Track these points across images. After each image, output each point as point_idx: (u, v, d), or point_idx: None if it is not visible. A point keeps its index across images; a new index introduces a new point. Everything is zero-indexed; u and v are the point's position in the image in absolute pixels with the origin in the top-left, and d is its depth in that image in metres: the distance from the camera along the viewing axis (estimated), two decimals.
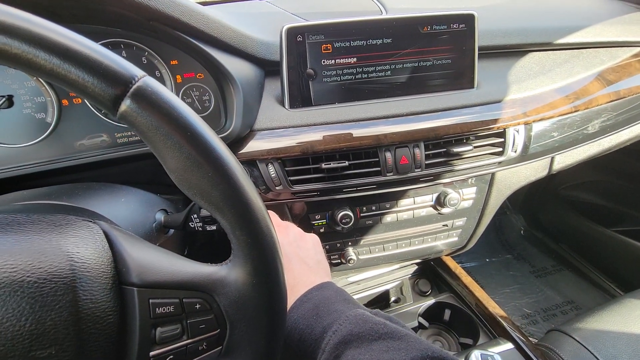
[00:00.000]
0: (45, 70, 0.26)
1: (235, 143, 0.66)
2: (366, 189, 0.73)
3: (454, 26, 0.73)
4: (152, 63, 0.63)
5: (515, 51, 0.86)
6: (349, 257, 0.79)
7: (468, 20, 0.73)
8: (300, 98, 0.71)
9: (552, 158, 0.85)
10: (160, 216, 0.53)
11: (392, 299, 0.97)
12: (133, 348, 0.32)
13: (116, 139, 0.66)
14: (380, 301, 0.99)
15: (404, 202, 0.79)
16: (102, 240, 0.33)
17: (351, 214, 0.74)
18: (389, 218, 0.79)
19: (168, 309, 0.33)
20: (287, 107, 0.71)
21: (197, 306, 0.34)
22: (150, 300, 0.32)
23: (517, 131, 0.75)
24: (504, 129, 0.75)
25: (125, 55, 0.62)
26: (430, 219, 0.82)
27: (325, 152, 0.69)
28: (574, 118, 0.79)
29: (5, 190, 0.60)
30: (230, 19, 0.67)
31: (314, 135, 0.68)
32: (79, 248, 0.31)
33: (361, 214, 0.77)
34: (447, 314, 0.91)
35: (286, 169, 0.68)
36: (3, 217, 0.32)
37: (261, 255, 0.34)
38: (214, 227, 0.48)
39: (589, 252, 1.57)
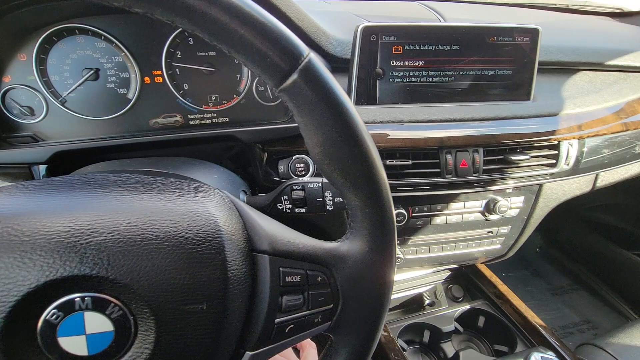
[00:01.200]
0: (235, 36, 0.27)
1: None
2: (421, 189, 0.75)
3: (519, 39, 0.75)
4: None
5: (567, 68, 0.88)
6: (397, 256, 0.80)
7: (533, 34, 0.75)
8: (366, 96, 0.73)
9: (597, 175, 0.87)
10: (242, 196, 0.54)
11: (427, 302, 0.98)
12: (262, 314, 0.33)
13: (189, 120, 0.68)
14: (414, 303, 1.00)
15: (455, 206, 0.80)
16: (233, 208, 0.35)
17: (405, 212, 0.76)
18: (438, 220, 0.81)
19: (295, 278, 0.34)
20: (353, 104, 0.73)
21: (319, 279, 0.35)
22: (281, 269, 0.34)
23: (571, 145, 0.77)
24: (559, 141, 0.77)
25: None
26: (477, 225, 0.84)
27: (389, 149, 0.70)
28: (623, 137, 0.81)
29: (80, 163, 0.62)
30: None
31: (379, 132, 0.69)
32: (220, 213, 0.32)
33: (413, 214, 0.78)
34: (481, 320, 0.91)
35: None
36: (146, 177, 0.34)
37: (384, 236, 0.36)
38: (303, 210, 0.49)
39: (607, 273, 1.58)
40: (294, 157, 0.68)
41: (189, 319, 0.29)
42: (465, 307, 0.92)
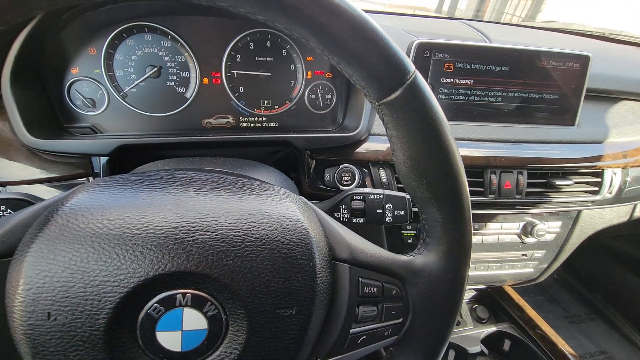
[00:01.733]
0: (348, 49, 0.28)
1: (354, 144, 0.68)
2: None
3: (569, 64, 0.75)
4: (291, 56, 0.66)
5: (610, 97, 0.88)
6: None
7: (583, 60, 0.75)
8: None
9: (635, 205, 0.86)
10: None
11: None
12: (339, 323, 0.33)
13: (240, 122, 0.69)
14: None
15: (492, 226, 0.80)
16: (314, 215, 0.35)
17: None
18: (474, 239, 0.80)
19: (372, 290, 0.34)
20: None
21: (393, 292, 0.36)
22: (360, 279, 0.34)
23: (615, 173, 0.77)
24: (603, 169, 0.76)
25: (269, 45, 0.65)
26: (512, 247, 0.83)
27: None
28: None
29: (136, 158, 0.63)
30: None
31: None
32: (308, 219, 0.33)
33: None
34: (507, 344, 0.90)
35: (396, 175, 0.69)
36: (235, 179, 0.34)
37: (461, 255, 0.36)
38: (361, 221, 0.49)
39: (625, 304, 1.55)
40: (340, 166, 0.68)
41: (279, 322, 0.29)
42: (491, 329, 0.91)
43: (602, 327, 1.56)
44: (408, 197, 0.50)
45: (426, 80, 0.73)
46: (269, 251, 0.29)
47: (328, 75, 0.69)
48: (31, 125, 0.53)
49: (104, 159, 0.57)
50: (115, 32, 0.58)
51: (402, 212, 0.49)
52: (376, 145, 0.69)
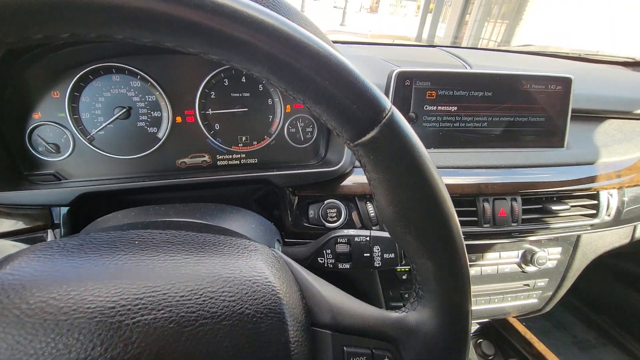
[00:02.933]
0: (315, 87, 0.25)
1: (338, 178, 0.64)
2: None
3: (551, 87, 0.74)
4: (268, 90, 0.64)
5: (595, 116, 0.88)
6: None
7: (565, 82, 0.75)
8: None
9: (635, 226, 0.83)
10: (278, 247, 0.50)
11: None
12: None
13: (217, 160, 0.65)
14: None
15: (490, 256, 0.75)
16: (289, 272, 0.31)
17: None
18: (473, 271, 0.75)
19: (361, 359, 0.29)
20: None
21: (385, 359, 0.30)
22: (345, 349, 0.29)
23: (611, 195, 0.74)
24: (598, 191, 0.74)
25: (244, 80, 0.63)
26: (512, 277, 0.79)
27: None
28: None
29: (102, 204, 0.58)
30: None
31: None
32: (279, 280, 0.28)
33: None
34: None
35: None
36: (195, 235, 0.30)
37: (459, 309, 0.31)
38: (347, 266, 0.44)
39: (635, 327, 1.48)
40: (325, 202, 0.64)
41: None
42: None
43: (614, 352, 1.49)
44: None
45: (409, 110, 0.71)
46: (230, 328, 0.24)
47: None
48: None
49: (64, 209, 0.52)
50: (80, 74, 0.55)
51: (392, 255, 0.44)
52: (362, 178, 0.65)
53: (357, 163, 0.67)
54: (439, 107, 0.71)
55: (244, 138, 0.65)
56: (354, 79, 0.25)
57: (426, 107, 0.71)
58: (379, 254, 0.44)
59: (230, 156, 0.65)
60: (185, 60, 0.59)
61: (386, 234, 0.45)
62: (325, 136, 0.67)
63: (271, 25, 0.22)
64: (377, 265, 0.44)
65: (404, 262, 0.45)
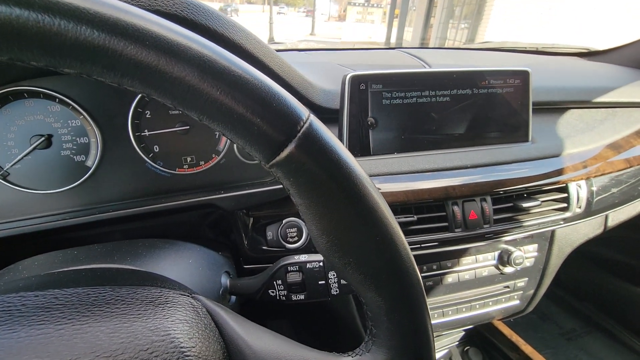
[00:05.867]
0: (207, 98, 0.20)
1: None
2: (428, 246, 0.67)
3: (510, 81, 0.73)
4: None
5: (556, 108, 0.87)
6: None
7: (523, 76, 0.73)
8: (359, 147, 0.67)
9: (607, 215, 0.82)
10: (225, 280, 0.44)
11: None
12: None
13: (159, 186, 0.59)
14: None
15: (466, 261, 0.72)
16: (211, 324, 0.25)
17: None
18: (450, 279, 0.72)
19: None
20: None
21: None
22: None
23: (580, 186, 0.73)
24: (566, 183, 0.72)
25: None
26: (491, 280, 0.75)
27: (390, 204, 0.63)
28: (628, 173, 0.78)
29: (26, 248, 0.50)
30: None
31: (380, 187, 0.62)
32: (191, 339, 0.22)
33: (421, 274, 0.69)
34: None
35: None
36: (83, 292, 0.24)
37: (419, 348, 0.26)
38: (302, 297, 0.39)
39: (617, 311, 1.49)
40: (284, 222, 0.59)
41: None
42: None
43: (600, 338, 1.49)
44: None
45: (367, 115, 0.68)
46: None
47: None
48: None
49: None
50: None
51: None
52: None
53: None
54: (398, 110, 0.68)
55: (189, 159, 0.59)
56: (258, 85, 0.20)
57: (384, 111, 0.67)
58: (336, 280, 0.39)
59: (175, 180, 0.59)
60: None
61: None
62: None
63: (127, 22, 0.17)
64: (335, 293, 0.39)
65: None
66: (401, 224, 0.63)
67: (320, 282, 0.39)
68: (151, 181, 0.58)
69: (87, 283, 0.26)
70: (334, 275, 0.39)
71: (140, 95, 0.54)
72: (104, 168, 0.55)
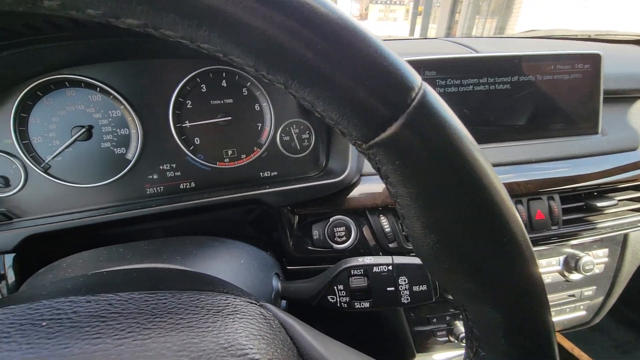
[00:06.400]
0: (301, 58, 0.15)
1: (343, 190, 0.54)
2: None
3: (578, 66, 0.65)
4: (253, 94, 0.55)
5: (626, 97, 0.78)
6: (461, 335, 0.63)
7: (594, 60, 0.65)
8: None
9: None
10: (276, 283, 0.40)
11: None
12: None
13: (200, 181, 0.56)
14: None
15: None
16: (287, 341, 0.20)
17: None
18: None
19: None
20: None
21: None
22: None
23: None
24: None
25: (224, 84, 0.53)
26: (555, 288, 0.68)
27: None
28: None
29: (65, 245, 0.48)
30: None
31: None
32: (269, 357, 0.18)
33: None
34: None
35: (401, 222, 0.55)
36: (140, 298, 0.20)
37: None
38: (367, 305, 0.34)
39: None
40: (331, 220, 0.54)
41: None
42: None
43: None
44: None
45: None
46: None
47: (301, 111, 0.58)
48: None
49: (9, 257, 0.42)
50: (25, 91, 0.46)
51: (424, 287, 0.34)
52: (372, 187, 0.55)
53: (365, 170, 0.57)
54: (453, 99, 0.62)
55: (230, 152, 0.56)
56: (366, 44, 0.16)
57: None
58: (407, 287, 0.34)
59: (216, 175, 0.56)
60: (153, 65, 0.50)
61: (413, 260, 0.35)
62: (325, 142, 0.58)
63: None
64: (405, 301, 0.34)
65: (438, 294, 0.35)
66: None
67: (388, 289, 0.34)
68: (191, 175, 0.55)
69: (142, 286, 0.22)
70: (405, 281, 0.34)
71: (181, 84, 0.51)
72: (144, 161, 0.52)
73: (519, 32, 1.36)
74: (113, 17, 0.14)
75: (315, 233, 0.54)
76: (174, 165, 0.54)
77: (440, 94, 0.59)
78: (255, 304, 0.22)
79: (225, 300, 0.21)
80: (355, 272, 0.34)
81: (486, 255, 0.19)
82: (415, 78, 0.17)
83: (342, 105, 0.16)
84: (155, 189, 0.54)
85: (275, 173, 0.58)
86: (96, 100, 0.49)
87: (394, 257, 0.35)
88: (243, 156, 0.56)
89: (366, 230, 0.55)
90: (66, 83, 0.48)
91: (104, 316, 0.19)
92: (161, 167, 0.54)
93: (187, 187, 0.55)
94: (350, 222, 0.54)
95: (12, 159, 0.47)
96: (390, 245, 0.55)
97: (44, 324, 0.18)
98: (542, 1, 6.53)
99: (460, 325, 0.65)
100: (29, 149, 0.48)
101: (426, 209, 0.18)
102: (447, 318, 0.65)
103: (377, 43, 0.17)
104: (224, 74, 0.53)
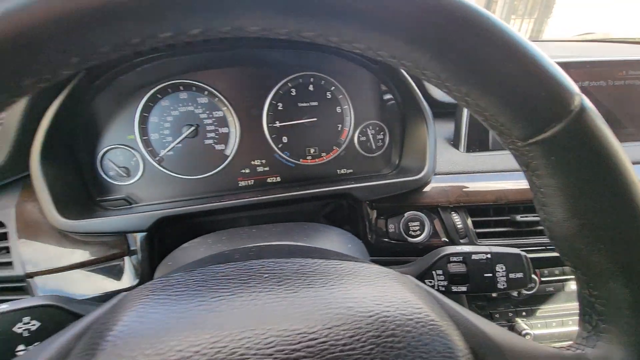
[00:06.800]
0: (491, 69, 0.19)
1: (418, 188, 0.58)
2: (552, 249, 0.62)
3: None
4: (336, 98, 0.60)
5: None
6: (523, 331, 0.65)
7: None
8: (478, 141, 0.65)
9: None
10: None
11: None
12: None
13: (284, 175, 0.61)
14: None
15: None
16: (443, 308, 0.25)
17: (534, 277, 0.62)
18: (573, 285, 0.66)
19: None
20: (462, 150, 0.64)
21: None
22: None
23: None
24: None
25: (312, 88, 0.59)
26: None
27: (512, 203, 0.59)
28: None
29: (171, 228, 0.55)
30: None
31: (493, 183, 0.59)
32: (442, 320, 0.23)
33: (542, 278, 0.65)
34: None
35: (475, 219, 0.58)
36: (321, 262, 0.25)
37: None
38: (464, 289, 0.38)
39: None
40: (405, 215, 0.58)
41: None
42: None
43: None
44: (524, 254, 0.39)
45: None
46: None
47: (378, 113, 0.62)
48: (62, 204, 0.47)
49: (141, 235, 0.50)
50: (149, 94, 0.53)
51: (520, 275, 0.37)
52: (443, 184, 0.59)
53: (438, 169, 0.60)
54: None
55: (312, 150, 0.61)
56: (534, 55, 0.20)
57: None
58: (504, 273, 0.37)
59: (299, 171, 0.61)
60: (253, 72, 0.56)
61: (510, 250, 0.38)
62: (399, 143, 0.62)
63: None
64: (502, 287, 0.37)
65: (532, 283, 0.38)
66: (524, 224, 0.59)
67: (486, 275, 0.37)
68: (277, 171, 0.61)
69: (301, 255, 0.27)
70: (502, 268, 0.37)
71: (276, 88, 0.57)
72: (239, 157, 0.59)
73: (574, 35, 1.34)
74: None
75: (391, 227, 0.58)
76: (263, 161, 0.60)
77: None
78: (411, 278, 0.27)
79: (382, 269, 0.26)
80: (454, 259, 0.38)
81: (624, 239, 0.22)
82: (575, 86, 0.21)
83: (514, 110, 0.21)
84: (246, 182, 0.60)
85: (351, 170, 0.63)
86: (203, 102, 0.56)
87: (490, 247, 0.38)
88: (323, 154, 0.62)
89: (438, 226, 0.59)
90: (180, 87, 0.55)
91: (304, 273, 0.24)
92: (252, 162, 0.60)
93: (274, 181, 0.61)
94: (424, 218, 0.58)
95: (133, 152, 0.55)
96: (462, 241, 0.58)
97: (265, 275, 0.23)
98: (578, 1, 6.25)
99: (521, 323, 0.67)
100: (147, 143, 0.55)
101: (572, 198, 0.22)
102: (510, 315, 0.67)
103: (547, 59, 0.21)
104: (311, 79, 0.58)
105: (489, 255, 0.38)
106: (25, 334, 0.31)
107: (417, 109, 0.56)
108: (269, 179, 0.61)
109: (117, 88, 0.52)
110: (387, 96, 0.61)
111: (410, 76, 0.55)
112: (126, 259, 0.51)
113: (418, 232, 0.58)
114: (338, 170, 0.63)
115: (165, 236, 0.54)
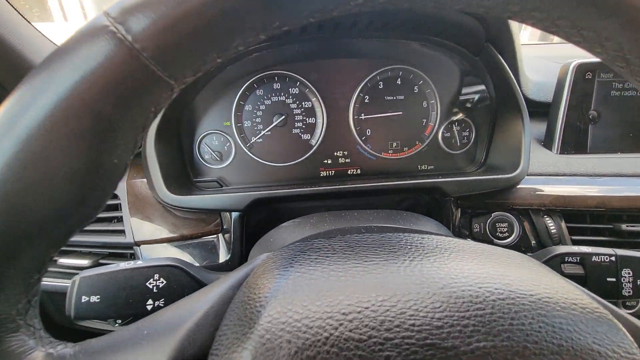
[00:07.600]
0: None
1: (508, 188, 0.55)
2: None
3: None
4: (423, 92, 0.59)
5: None
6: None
7: None
8: (574, 143, 0.60)
9: None
10: None
11: None
12: None
13: (364, 168, 0.62)
14: None
15: None
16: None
17: None
18: None
19: None
20: (555, 151, 0.60)
21: None
22: None
23: None
24: None
25: (399, 82, 0.59)
26: None
27: (616, 209, 0.54)
28: None
29: (255, 212, 0.57)
30: None
31: (605, 188, 0.54)
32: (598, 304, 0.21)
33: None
34: None
35: (571, 225, 0.54)
36: (454, 239, 0.25)
37: None
38: None
39: None
40: (493, 215, 0.55)
41: None
42: None
43: None
44: None
45: (590, 107, 0.60)
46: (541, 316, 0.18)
47: (465, 109, 0.60)
48: (168, 182, 0.51)
49: (235, 215, 0.52)
50: (246, 84, 0.56)
51: None
52: (537, 187, 0.55)
53: (531, 170, 0.57)
54: (629, 103, 0.59)
55: (394, 144, 0.61)
56: None
57: (611, 104, 0.59)
58: (631, 279, 0.34)
59: (379, 164, 0.61)
60: (344, 64, 0.58)
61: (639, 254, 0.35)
62: (486, 141, 0.60)
63: None
64: (627, 294, 0.34)
65: None
66: (632, 234, 0.54)
67: (609, 279, 0.35)
68: (358, 163, 0.61)
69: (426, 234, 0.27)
70: (629, 273, 0.34)
71: (365, 80, 0.58)
72: (323, 147, 0.60)
73: None
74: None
75: (476, 226, 0.56)
76: (345, 153, 0.61)
77: (614, 97, 0.57)
78: (530, 257, 0.26)
79: (519, 254, 0.25)
80: (570, 259, 0.36)
81: None
82: None
83: None
84: (327, 172, 0.61)
85: (432, 167, 0.62)
86: (294, 92, 0.58)
87: (616, 249, 0.35)
88: (405, 149, 0.61)
89: (528, 229, 0.55)
90: (275, 77, 0.57)
91: (445, 248, 0.24)
92: (335, 153, 0.61)
93: (354, 173, 0.62)
94: (513, 219, 0.55)
95: (227, 137, 0.58)
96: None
97: (409, 247, 0.23)
98: None
99: None
100: (240, 130, 0.58)
101: None
102: None
103: None
104: (400, 72, 0.58)
105: (613, 258, 0.34)
106: (155, 289, 0.34)
107: (513, 106, 0.54)
108: (349, 170, 0.62)
109: (223, 77, 0.55)
110: (476, 91, 0.59)
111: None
112: (220, 236, 0.54)
113: (506, 234, 0.55)
114: (419, 166, 0.62)
115: (250, 218, 0.57)
